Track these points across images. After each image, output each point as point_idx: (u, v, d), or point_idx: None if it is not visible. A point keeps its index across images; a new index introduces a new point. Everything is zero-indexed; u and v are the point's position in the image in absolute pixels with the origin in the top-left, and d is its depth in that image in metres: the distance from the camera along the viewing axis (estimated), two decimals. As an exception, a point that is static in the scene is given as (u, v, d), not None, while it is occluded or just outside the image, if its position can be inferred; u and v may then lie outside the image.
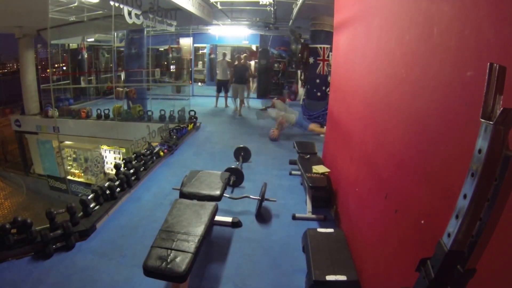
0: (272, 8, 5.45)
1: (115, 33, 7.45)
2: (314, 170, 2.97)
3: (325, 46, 5.91)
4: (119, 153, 7.05)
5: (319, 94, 6.14)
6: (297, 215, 2.75)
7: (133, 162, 3.42)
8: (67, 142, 7.55)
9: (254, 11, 6.38)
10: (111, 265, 2.10)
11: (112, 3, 3.64)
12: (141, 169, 3.42)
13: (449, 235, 0.64)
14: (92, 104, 8.01)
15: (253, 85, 9.48)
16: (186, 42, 9.92)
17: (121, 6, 3.72)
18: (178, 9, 4.94)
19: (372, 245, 1.73)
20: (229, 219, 2.61)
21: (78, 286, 1.91)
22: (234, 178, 3.25)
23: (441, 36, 1.09)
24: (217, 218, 2.38)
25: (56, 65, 8.53)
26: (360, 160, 2.13)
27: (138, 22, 4.09)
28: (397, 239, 1.39)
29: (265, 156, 4.42)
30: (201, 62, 11.38)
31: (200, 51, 11.26)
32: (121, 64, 8.17)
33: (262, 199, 2.71)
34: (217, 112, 7.56)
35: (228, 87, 7.65)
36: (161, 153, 4.06)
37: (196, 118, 5.88)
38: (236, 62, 7.37)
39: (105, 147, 7.22)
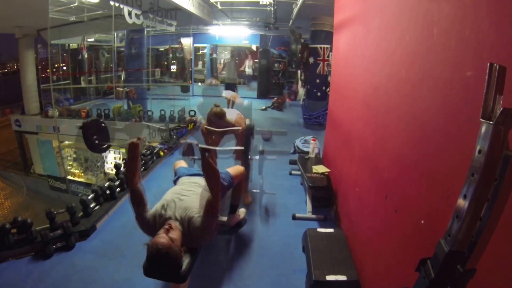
0: (272, 8, 5.44)
1: (115, 33, 7.44)
2: (314, 170, 2.97)
3: (325, 46, 5.89)
4: (119, 153, 7.05)
5: (319, 94, 6.12)
6: (297, 215, 2.75)
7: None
8: (67, 142, 7.54)
9: (254, 11, 6.37)
10: (111, 265, 2.10)
11: (112, 3, 3.64)
12: (141, 169, 3.42)
13: (449, 235, 0.64)
14: (92, 104, 8.01)
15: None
16: (186, 42, 9.93)
17: (121, 6, 3.72)
18: (178, 9, 4.93)
19: (372, 245, 1.73)
20: (229, 219, 2.60)
21: (78, 286, 1.91)
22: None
23: (441, 36, 1.09)
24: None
25: (56, 65, 8.53)
26: (360, 160, 2.13)
27: (138, 22, 4.09)
28: (397, 239, 1.39)
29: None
30: (201, 62, 11.37)
31: (200, 51, 11.26)
32: (121, 64, 8.16)
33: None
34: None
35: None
36: (161, 153, 4.06)
37: (196, 118, 5.87)
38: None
39: (105, 147, 7.21)
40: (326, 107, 4.53)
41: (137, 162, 1.73)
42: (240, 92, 8.02)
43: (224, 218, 2.59)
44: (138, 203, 1.63)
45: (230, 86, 7.48)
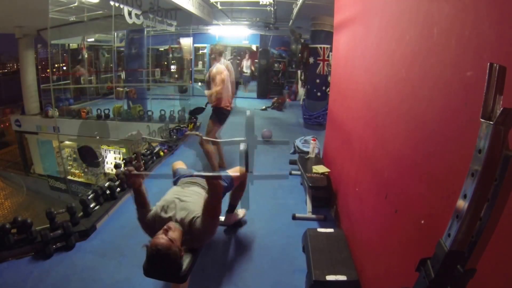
0: (272, 8, 5.44)
1: (115, 33, 7.44)
2: (314, 170, 2.96)
3: (325, 46, 5.89)
4: (119, 153, 7.05)
5: (319, 94, 6.12)
6: (297, 215, 2.75)
7: (133, 162, 3.41)
8: (67, 142, 7.54)
9: (254, 11, 6.38)
10: (111, 265, 2.10)
11: (112, 3, 3.63)
12: (141, 169, 3.42)
13: (449, 235, 0.64)
14: (92, 104, 8.01)
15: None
16: (186, 42, 9.91)
17: (121, 6, 3.72)
18: (178, 9, 4.94)
19: (372, 245, 1.73)
20: (229, 219, 2.60)
21: (78, 286, 1.91)
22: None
23: (441, 36, 1.09)
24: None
25: (56, 65, 8.53)
26: (360, 160, 2.13)
27: (138, 22, 4.09)
28: (397, 239, 1.39)
29: (265, 156, 4.42)
30: (201, 62, 11.36)
31: (200, 51, 11.25)
32: (121, 64, 8.16)
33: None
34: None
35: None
36: (161, 153, 4.06)
37: (196, 118, 5.88)
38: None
39: (105, 147, 7.22)
40: (326, 107, 4.53)
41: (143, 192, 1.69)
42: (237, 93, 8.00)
43: (221, 218, 2.59)
44: (142, 204, 1.66)
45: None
